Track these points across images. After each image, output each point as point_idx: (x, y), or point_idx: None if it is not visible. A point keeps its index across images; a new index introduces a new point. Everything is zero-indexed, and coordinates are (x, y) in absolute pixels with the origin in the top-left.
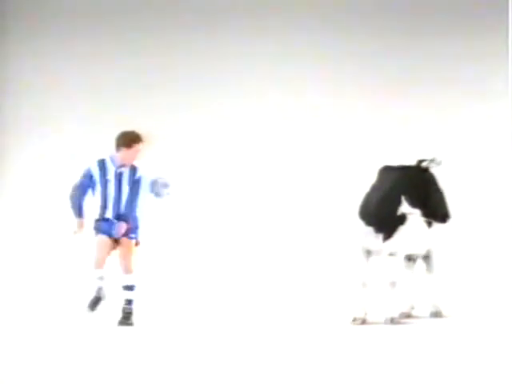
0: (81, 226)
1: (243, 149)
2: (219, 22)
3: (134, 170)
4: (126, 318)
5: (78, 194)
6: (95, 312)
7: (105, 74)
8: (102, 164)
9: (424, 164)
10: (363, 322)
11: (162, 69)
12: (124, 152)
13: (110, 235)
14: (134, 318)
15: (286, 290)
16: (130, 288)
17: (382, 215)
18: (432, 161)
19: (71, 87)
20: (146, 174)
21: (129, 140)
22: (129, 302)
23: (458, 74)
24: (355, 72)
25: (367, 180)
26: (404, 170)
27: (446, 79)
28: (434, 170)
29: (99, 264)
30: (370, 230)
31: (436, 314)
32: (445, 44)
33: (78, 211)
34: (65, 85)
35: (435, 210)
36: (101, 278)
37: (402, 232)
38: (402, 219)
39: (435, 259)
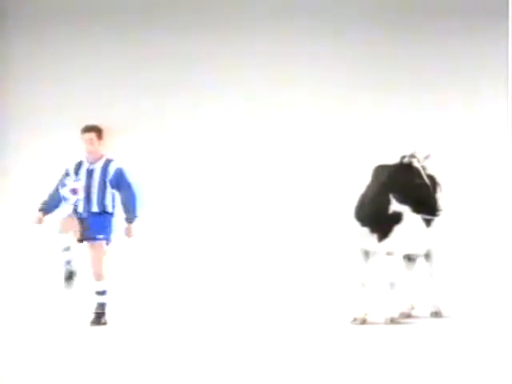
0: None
1: (241, 151)
2: (219, 22)
3: (106, 166)
4: (98, 318)
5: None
6: (72, 288)
7: (104, 74)
8: (78, 164)
9: (406, 160)
10: (363, 322)
11: (163, 69)
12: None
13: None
14: (109, 318)
15: (287, 290)
16: (102, 293)
17: (374, 215)
18: (412, 156)
19: (71, 87)
20: (114, 168)
21: (81, 131)
22: (101, 305)
23: (457, 74)
24: (355, 72)
25: (365, 180)
26: (389, 168)
27: (446, 79)
28: (431, 165)
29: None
30: (365, 230)
31: (436, 314)
32: (445, 44)
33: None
34: (65, 85)
35: (422, 204)
36: (67, 249)
37: (398, 231)
38: (396, 218)
39: (435, 259)
